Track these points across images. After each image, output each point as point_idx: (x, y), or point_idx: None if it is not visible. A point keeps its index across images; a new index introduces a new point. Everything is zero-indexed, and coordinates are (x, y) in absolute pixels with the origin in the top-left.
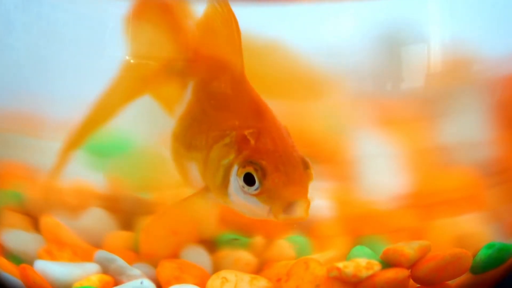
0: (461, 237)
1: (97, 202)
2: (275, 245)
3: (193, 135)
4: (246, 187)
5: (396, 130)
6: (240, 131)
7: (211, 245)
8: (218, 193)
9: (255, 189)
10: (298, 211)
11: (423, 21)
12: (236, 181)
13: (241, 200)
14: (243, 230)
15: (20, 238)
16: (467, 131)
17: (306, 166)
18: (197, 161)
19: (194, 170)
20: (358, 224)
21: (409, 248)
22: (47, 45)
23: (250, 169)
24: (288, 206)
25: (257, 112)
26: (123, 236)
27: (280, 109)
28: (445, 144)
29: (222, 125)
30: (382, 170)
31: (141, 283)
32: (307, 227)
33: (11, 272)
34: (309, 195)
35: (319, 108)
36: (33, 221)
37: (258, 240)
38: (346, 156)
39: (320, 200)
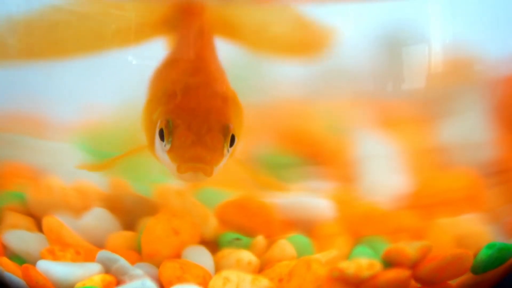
0: (462, 237)
1: (99, 202)
2: (276, 245)
3: (150, 92)
4: (161, 143)
5: (397, 130)
6: (172, 86)
7: (213, 245)
8: (150, 148)
9: (165, 146)
10: (201, 174)
11: (424, 22)
12: (157, 136)
13: (161, 157)
14: (245, 230)
15: (23, 238)
16: (467, 131)
17: (225, 132)
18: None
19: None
20: (360, 225)
21: (410, 248)
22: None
23: (162, 125)
24: (192, 167)
25: (197, 70)
26: (125, 236)
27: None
28: (446, 145)
29: (166, 80)
30: (383, 171)
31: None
32: (309, 227)
33: (14, 272)
34: (221, 163)
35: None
36: (36, 221)
37: (260, 240)
38: (347, 156)
39: (322, 200)
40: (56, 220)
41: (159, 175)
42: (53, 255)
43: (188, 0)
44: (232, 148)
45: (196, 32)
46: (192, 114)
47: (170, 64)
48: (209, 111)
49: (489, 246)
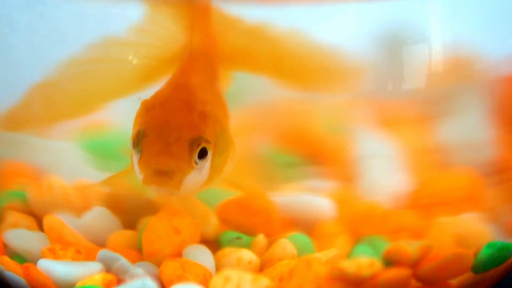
0: (462, 237)
1: (100, 201)
2: (277, 244)
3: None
4: (133, 153)
5: (397, 130)
6: (152, 99)
7: (213, 244)
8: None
9: (135, 155)
10: (166, 185)
11: (424, 21)
12: (130, 146)
13: (135, 169)
14: (245, 229)
15: (24, 237)
16: (468, 131)
17: (194, 144)
18: None
19: None
20: (360, 224)
21: (410, 248)
22: (50, 45)
23: (133, 134)
24: (157, 177)
25: (177, 86)
26: (126, 235)
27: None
28: (446, 144)
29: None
30: (383, 170)
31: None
32: (310, 226)
33: (15, 271)
34: (190, 175)
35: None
36: (37, 220)
37: (260, 239)
38: (348, 156)
39: (322, 199)
40: (57, 219)
41: None
42: (54, 254)
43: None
44: (204, 161)
45: (185, 54)
46: (163, 125)
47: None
48: (181, 124)
49: (490, 246)
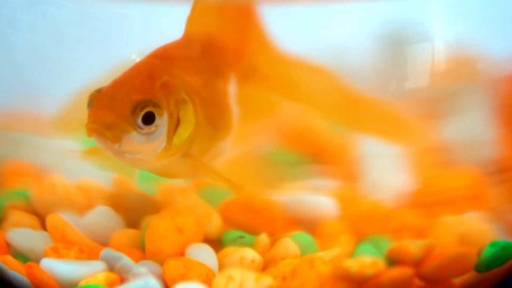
0: (465, 236)
1: (103, 200)
2: (280, 243)
3: None
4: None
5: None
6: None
7: (216, 243)
8: None
9: (87, 109)
10: (103, 136)
11: (427, 20)
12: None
13: None
14: (248, 228)
15: (27, 236)
16: (471, 130)
17: (139, 105)
18: None
19: None
20: (363, 223)
21: (414, 247)
22: (52, 44)
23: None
24: (97, 128)
25: (152, 55)
26: (129, 234)
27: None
28: (449, 143)
29: None
30: (386, 169)
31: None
32: (312, 226)
33: (18, 270)
34: (129, 134)
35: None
36: (40, 219)
37: (263, 238)
38: (351, 154)
39: (325, 198)
40: (60, 218)
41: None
42: (57, 253)
43: None
44: (152, 127)
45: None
46: (117, 83)
47: None
48: (134, 86)
49: (493, 244)
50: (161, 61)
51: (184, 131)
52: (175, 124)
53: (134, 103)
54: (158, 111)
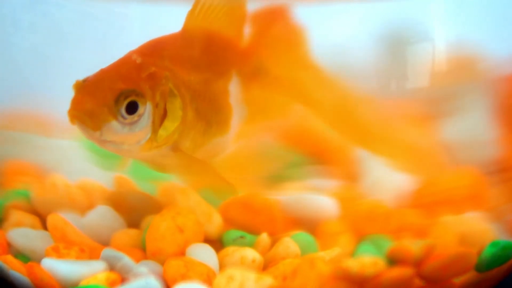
0: (466, 235)
1: (104, 200)
2: (280, 243)
3: None
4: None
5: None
6: None
7: (217, 243)
8: None
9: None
10: (83, 123)
11: (428, 20)
12: None
13: None
14: (249, 228)
15: (27, 236)
16: (471, 130)
17: (122, 94)
18: None
19: None
20: (363, 223)
21: (414, 247)
22: (52, 44)
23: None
24: (78, 114)
25: (145, 45)
26: (130, 234)
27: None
28: (449, 143)
29: None
30: (387, 169)
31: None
32: (313, 225)
33: (18, 270)
34: (110, 122)
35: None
36: (41, 219)
37: (264, 238)
38: (351, 154)
39: (325, 198)
40: (61, 218)
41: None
42: (57, 253)
43: None
44: (135, 117)
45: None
46: (103, 72)
47: None
48: (120, 75)
49: (493, 244)
50: (152, 52)
51: (171, 124)
52: (161, 116)
53: (117, 92)
54: (142, 101)
